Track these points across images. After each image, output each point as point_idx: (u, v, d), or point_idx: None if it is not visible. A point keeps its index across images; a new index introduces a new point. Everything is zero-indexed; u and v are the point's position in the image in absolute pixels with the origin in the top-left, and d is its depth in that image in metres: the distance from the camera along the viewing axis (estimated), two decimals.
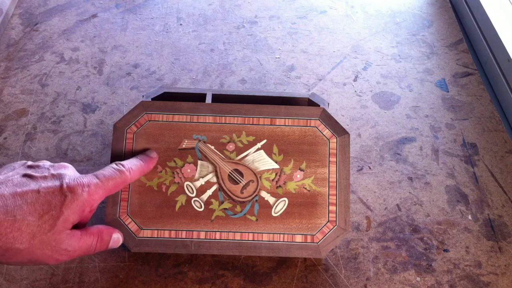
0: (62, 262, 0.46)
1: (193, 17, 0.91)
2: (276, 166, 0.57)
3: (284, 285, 0.56)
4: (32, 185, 0.44)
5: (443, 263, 0.58)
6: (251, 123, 0.58)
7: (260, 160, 0.57)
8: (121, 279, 0.55)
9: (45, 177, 0.45)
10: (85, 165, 0.67)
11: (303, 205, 0.56)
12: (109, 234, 0.50)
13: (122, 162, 0.51)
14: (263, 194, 0.56)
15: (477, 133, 0.73)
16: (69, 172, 0.47)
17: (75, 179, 0.46)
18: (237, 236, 0.55)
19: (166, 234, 0.55)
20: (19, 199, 0.42)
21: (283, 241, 0.55)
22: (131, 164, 0.52)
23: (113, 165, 0.50)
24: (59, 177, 0.46)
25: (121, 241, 0.51)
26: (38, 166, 0.47)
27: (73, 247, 0.45)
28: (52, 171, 0.46)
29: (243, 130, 0.58)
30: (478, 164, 0.69)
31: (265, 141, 0.58)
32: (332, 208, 0.56)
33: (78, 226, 0.49)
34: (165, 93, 0.62)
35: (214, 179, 0.56)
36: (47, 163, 0.48)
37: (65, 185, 0.45)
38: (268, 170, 0.57)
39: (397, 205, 0.64)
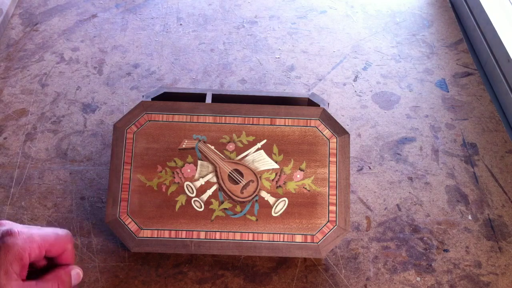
0: None
1: (193, 17, 0.91)
2: (276, 166, 0.57)
3: (284, 285, 0.56)
4: None
5: (443, 263, 0.58)
6: (251, 123, 0.58)
7: (260, 160, 0.57)
8: (121, 279, 0.55)
9: None
10: (85, 165, 0.67)
11: (303, 205, 0.56)
12: (67, 274, 0.47)
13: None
14: (263, 194, 0.56)
15: (477, 133, 0.73)
16: (6, 227, 0.44)
17: (9, 229, 0.44)
18: (237, 236, 0.55)
19: (166, 234, 0.55)
20: None
21: (283, 241, 0.55)
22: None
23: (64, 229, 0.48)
24: None
25: (81, 275, 0.48)
26: None
27: None
28: None
29: (243, 130, 0.58)
30: (478, 164, 0.69)
31: (265, 141, 0.58)
32: (332, 208, 0.56)
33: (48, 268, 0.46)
34: (165, 93, 0.62)
35: (214, 179, 0.56)
36: None
37: (1, 249, 0.42)
38: (268, 170, 0.57)
39: (397, 205, 0.64)
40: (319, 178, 0.57)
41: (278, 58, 0.83)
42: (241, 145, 0.57)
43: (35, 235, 0.44)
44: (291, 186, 0.56)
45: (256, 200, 0.56)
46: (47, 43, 0.84)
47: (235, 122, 0.58)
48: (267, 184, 0.56)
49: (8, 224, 0.45)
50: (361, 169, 0.68)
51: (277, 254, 0.55)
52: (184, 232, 0.55)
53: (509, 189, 0.66)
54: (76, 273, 0.47)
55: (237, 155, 0.57)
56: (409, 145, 0.71)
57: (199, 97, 0.62)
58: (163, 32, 0.87)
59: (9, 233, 0.43)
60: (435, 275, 0.57)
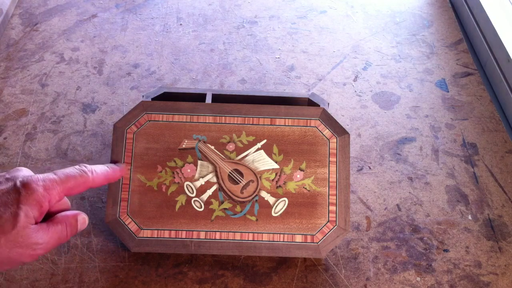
0: (39, 256, 0.46)
1: (193, 17, 0.91)
2: (276, 166, 0.57)
3: (284, 285, 0.56)
4: None
5: (443, 263, 0.58)
6: (251, 123, 0.58)
7: (260, 160, 0.57)
8: (121, 279, 0.55)
9: None
10: None
11: (303, 205, 0.56)
12: (74, 218, 0.49)
13: (85, 164, 0.51)
14: (263, 194, 0.56)
15: (477, 133, 0.73)
16: (24, 172, 0.47)
17: (28, 175, 0.46)
18: (237, 236, 0.55)
19: (166, 234, 0.55)
20: None
21: (283, 241, 0.55)
22: (96, 168, 0.51)
23: (76, 165, 0.50)
24: (13, 178, 0.46)
25: (87, 221, 0.50)
26: None
27: (43, 239, 0.45)
28: (7, 175, 0.46)
29: (243, 130, 0.58)
30: (478, 164, 0.69)
31: (265, 141, 0.58)
32: (332, 208, 0.56)
33: (50, 216, 0.48)
34: (165, 93, 0.62)
35: (214, 179, 0.56)
36: (3, 172, 0.48)
37: (18, 183, 0.45)
38: (268, 170, 0.57)
39: (397, 205, 0.64)
40: (319, 178, 0.57)
41: (278, 58, 0.83)
42: (241, 145, 0.57)
43: (55, 182, 0.46)
44: (291, 186, 0.56)
45: (256, 200, 0.56)
46: (47, 43, 0.84)
47: (235, 122, 0.58)
48: (267, 184, 0.56)
49: (25, 171, 0.48)
50: (361, 169, 0.68)
51: (277, 254, 0.55)
52: (184, 232, 0.55)
53: (509, 189, 0.66)
54: (82, 218, 0.50)
55: (237, 155, 0.57)
56: (409, 145, 0.71)
57: (199, 97, 0.62)
58: (163, 32, 0.87)
59: (30, 180, 0.45)
60: (435, 275, 0.57)
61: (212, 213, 0.56)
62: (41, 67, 0.80)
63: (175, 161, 0.57)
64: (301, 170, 0.57)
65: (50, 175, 0.47)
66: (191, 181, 0.56)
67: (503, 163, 0.69)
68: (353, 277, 0.57)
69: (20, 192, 0.44)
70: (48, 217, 0.48)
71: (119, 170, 0.55)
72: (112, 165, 0.54)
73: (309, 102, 0.62)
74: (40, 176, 0.46)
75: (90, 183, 0.50)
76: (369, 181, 0.66)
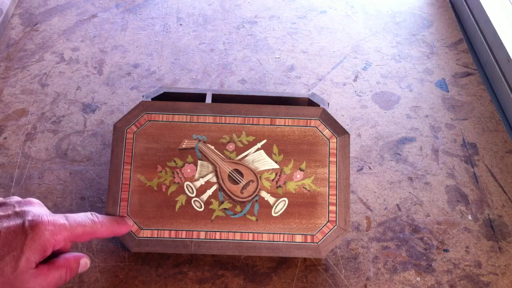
0: None
1: (193, 17, 0.91)
2: (276, 166, 0.57)
3: (284, 285, 0.56)
4: None
5: (443, 263, 0.58)
6: (251, 123, 0.58)
7: (260, 160, 0.57)
8: (121, 279, 0.55)
9: (8, 216, 0.44)
10: (85, 165, 0.67)
11: (303, 205, 0.56)
12: (77, 262, 0.48)
13: (97, 214, 0.50)
14: (263, 194, 0.56)
15: (477, 133, 0.73)
16: (35, 209, 0.45)
17: (39, 216, 0.44)
18: (237, 236, 0.55)
19: (166, 234, 0.55)
20: None
21: (283, 241, 0.55)
22: (106, 220, 0.51)
23: (88, 213, 0.49)
24: (22, 214, 0.44)
25: (88, 264, 0.50)
26: (4, 204, 0.45)
27: (40, 285, 0.44)
28: (17, 208, 0.45)
29: (243, 130, 0.58)
30: (478, 164, 0.69)
31: (265, 141, 0.58)
32: (332, 208, 0.56)
33: (51, 255, 0.47)
34: (165, 93, 0.62)
35: (214, 179, 0.56)
36: (14, 199, 0.46)
37: (27, 223, 0.43)
38: (268, 170, 0.57)
39: (397, 205, 0.64)
40: (319, 178, 0.57)
41: (278, 58, 0.83)
42: (241, 145, 0.57)
43: (63, 228, 0.45)
44: (291, 186, 0.56)
45: (256, 200, 0.56)
46: (47, 43, 0.84)
47: (235, 122, 0.58)
48: (267, 184, 0.56)
49: (37, 205, 0.46)
50: (361, 169, 0.68)
51: (277, 254, 0.55)
52: (184, 232, 0.55)
53: (509, 189, 0.66)
54: (85, 262, 0.49)
55: (237, 155, 0.57)
56: (409, 145, 0.71)
57: (199, 97, 0.62)
58: (163, 32, 0.87)
59: (38, 222, 0.44)
60: (435, 275, 0.57)
61: (212, 213, 0.56)
62: (41, 67, 0.80)
63: (175, 161, 0.57)
64: (301, 170, 0.57)
65: (60, 219, 0.45)
66: (191, 181, 0.56)
67: (503, 163, 0.69)
68: (353, 277, 0.57)
69: (27, 234, 0.43)
70: (51, 256, 0.46)
71: (125, 228, 0.54)
72: (119, 219, 0.54)
73: (309, 102, 0.62)
74: (51, 218, 0.45)
75: (97, 234, 0.49)
76: (369, 181, 0.66)
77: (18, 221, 0.43)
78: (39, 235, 0.43)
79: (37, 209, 0.45)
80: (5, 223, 0.43)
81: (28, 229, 0.43)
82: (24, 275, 0.42)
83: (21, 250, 0.42)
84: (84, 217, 0.48)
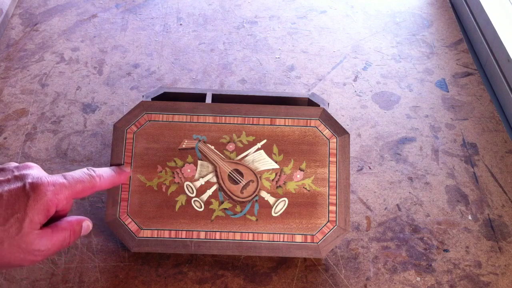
0: (39, 262, 0.46)
1: (193, 17, 0.91)
2: (276, 166, 0.57)
3: (284, 285, 0.56)
4: None
5: (443, 263, 0.58)
6: (251, 123, 0.58)
7: (260, 160, 0.57)
8: (121, 279, 0.55)
9: (8, 180, 0.44)
10: (85, 165, 0.67)
11: (303, 205, 0.56)
12: (79, 224, 0.48)
13: (93, 168, 0.51)
14: (263, 194, 0.56)
15: (477, 133, 0.73)
16: (34, 171, 0.46)
17: (38, 178, 0.45)
18: (237, 236, 0.55)
19: (166, 234, 0.55)
20: None
21: (283, 241, 0.55)
22: (103, 172, 0.51)
23: (84, 169, 0.50)
24: (22, 177, 0.44)
25: (91, 227, 0.50)
26: (3, 169, 0.46)
27: (45, 246, 0.44)
28: (16, 173, 0.45)
29: (243, 130, 0.58)
30: (478, 164, 0.69)
31: (265, 141, 0.58)
32: (332, 208, 0.56)
33: (53, 219, 0.48)
34: (165, 93, 0.62)
35: (214, 179, 0.56)
36: (12, 165, 0.47)
37: (27, 185, 0.44)
38: (268, 170, 0.57)
39: (397, 205, 0.64)
40: (319, 178, 0.57)
41: (278, 58, 0.83)
42: (241, 145, 0.57)
43: (63, 187, 0.46)
44: (291, 186, 0.56)
45: (256, 200, 0.56)
46: (47, 43, 0.84)
47: (235, 122, 0.58)
48: (267, 184, 0.56)
49: (36, 169, 0.46)
50: (361, 169, 0.68)
51: (277, 254, 0.55)
52: (184, 232, 0.55)
53: (509, 189, 0.66)
54: (87, 225, 0.50)
55: (237, 155, 0.57)
56: (409, 145, 0.71)
57: (199, 97, 0.62)
58: (163, 32, 0.87)
59: (39, 183, 0.44)
60: (435, 275, 0.57)
61: (212, 213, 0.56)
62: (41, 67, 0.80)
63: (175, 161, 0.57)
64: (301, 170, 0.57)
65: (59, 179, 0.46)
66: (191, 181, 0.56)
67: (503, 163, 0.69)
68: (353, 277, 0.57)
69: (29, 195, 0.43)
70: (52, 219, 0.47)
71: (123, 174, 0.55)
72: (116, 168, 0.54)
73: (309, 102, 0.62)
74: (50, 179, 0.45)
75: (97, 187, 0.50)
76: (369, 181, 0.66)
77: (18, 184, 0.44)
78: (40, 196, 0.44)
79: (36, 171, 0.46)
80: (6, 187, 0.43)
81: (30, 191, 0.43)
82: (29, 236, 0.43)
83: (25, 212, 0.43)
84: (81, 173, 0.49)
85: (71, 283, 0.55)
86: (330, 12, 0.93)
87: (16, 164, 0.47)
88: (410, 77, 0.81)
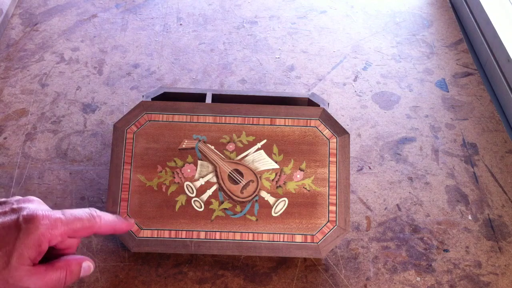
0: None
1: (193, 17, 0.91)
2: (276, 166, 0.57)
3: (284, 285, 0.56)
4: None
5: (443, 263, 0.58)
6: (251, 123, 0.58)
7: (260, 160, 0.57)
8: (121, 279, 0.55)
9: (4, 213, 0.43)
10: (85, 165, 0.67)
11: (303, 205, 0.56)
12: (78, 264, 0.46)
13: (96, 210, 0.48)
14: (263, 194, 0.56)
15: (477, 133, 0.73)
16: (32, 205, 0.44)
17: (34, 211, 0.43)
18: (237, 236, 0.55)
19: (166, 234, 0.55)
20: None
21: (283, 241, 0.55)
22: (105, 215, 0.48)
23: (87, 208, 0.47)
24: (18, 210, 0.43)
25: (92, 269, 0.47)
26: (4, 202, 0.45)
27: (36, 284, 0.42)
28: (14, 206, 0.44)
29: (243, 130, 0.58)
30: (478, 164, 0.69)
31: (265, 141, 0.58)
32: (332, 208, 0.56)
33: (53, 257, 0.45)
34: (165, 93, 0.62)
35: (214, 179, 0.56)
36: (14, 198, 0.45)
37: (21, 218, 0.42)
38: (268, 170, 0.57)
39: (397, 205, 0.64)
40: (319, 178, 0.57)
41: (278, 58, 0.83)
42: (241, 145, 0.57)
43: (59, 222, 0.43)
44: (291, 186, 0.56)
45: (256, 200, 0.56)
46: (47, 43, 0.84)
47: (235, 122, 0.58)
48: (267, 184, 0.56)
49: (36, 203, 0.45)
50: (361, 169, 0.68)
51: (277, 254, 0.55)
52: (184, 232, 0.55)
53: (509, 189, 0.66)
54: (87, 265, 0.47)
55: (237, 155, 0.57)
56: (409, 145, 0.71)
57: (199, 97, 0.62)
58: (163, 32, 0.87)
59: (33, 217, 0.42)
60: (435, 275, 0.57)
61: (212, 213, 0.56)
62: (41, 67, 0.80)
63: (175, 161, 0.57)
64: (301, 170, 0.57)
65: (56, 214, 0.44)
66: (191, 181, 0.56)
67: (503, 163, 0.69)
68: (353, 277, 0.57)
69: (20, 228, 0.42)
70: (52, 257, 0.45)
71: (127, 224, 0.52)
72: (120, 217, 0.52)
73: (309, 102, 0.62)
74: (46, 213, 0.43)
75: (96, 229, 0.47)
76: (369, 181, 0.66)
77: (13, 216, 0.42)
78: (32, 229, 0.42)
79: (34, 205, 0.44)
80: (0, 219, 0.42)
81: (22, 224, 0.42)
82: (18, 271, 0.41)
83: (14, 245, 0.41)
84: (82, 212, 0.46)
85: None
86: (330, 12, 0.93)
87: (18, 198, 0.46)
88: (410, 77, 0.81)
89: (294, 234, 0.55)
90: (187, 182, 0.56)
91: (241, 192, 0.56)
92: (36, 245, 0.42)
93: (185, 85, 0.78)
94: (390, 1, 0.95)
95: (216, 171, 0.57)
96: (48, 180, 0.65)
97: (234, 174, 0.57)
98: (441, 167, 0.68)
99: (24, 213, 0.43)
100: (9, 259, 0.41)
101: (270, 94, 0.63)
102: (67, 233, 0.44)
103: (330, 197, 0.56)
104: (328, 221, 0.56)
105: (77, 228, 0.45)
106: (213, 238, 0.55)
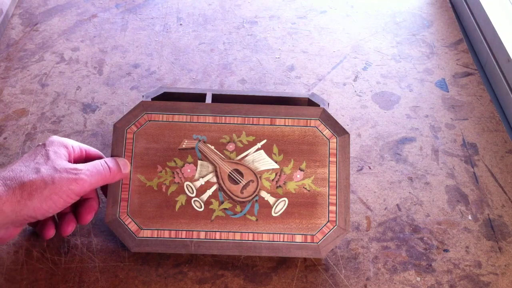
0: (81, 191, 0.50)
1: (193, 17, 0.91)
2: (276, 166, 0.57)
3: (284, 285, 0.56)
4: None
5: (443, 263, 0.58)
6: (251, 123, 0.58)
7: (260, 160, 0.57)
8: (121, 279, 0.55)
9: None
10: None
11: (303, 205, 0.56)
12: (113, 158, 0.55)
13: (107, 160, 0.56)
14: (263, 194, 0.56)
15: (477, 133, 0.73)
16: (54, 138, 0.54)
17: (52, 137, 0.53)
18: (237, 236, 0.55)
19: (166, 234, 0.55)
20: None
21: (283, 241, 0.55)
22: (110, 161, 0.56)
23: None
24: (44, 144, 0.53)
25: (129, 165, 0.55)
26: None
27: (81, 166, 0.50)
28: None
29: (243, 130, 0.58)
30: (478, 164, 0.69)
31: (265, 141, 0.58)
32: (332, 208, 0.56)
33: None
34: (165, 93, 0.62)
35: (214, 179, 0.56)
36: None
37: (45, 142, 0.52)
38: (268, 170, 0.57)
39: (397, 205, 0.64)
40: (319, 178, 0.57)
41: (278, 58, 0.83)
42: (241, 145, 0.57)
43: (73, 141, 0.54)
44: (291, 186, 0.56)
45: (256, 200, 0.56)
46: (47, 43, 0.84)
47: (235, 122, 0.58)
48: (267, 184, 0.56)
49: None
50: (361, 169, 0.68)
51: (277, 254, 0.55)
52: (184, 232, 0.55)
53: (509, 189, 0.66)
54: (122, 160, 0.55)
55: (237, 155, 0.57)
56: (409, 145, 0.71)
57: (199, 97, 0.62)
58: (163, 32, 0.87)
59: (51, 138, 0.53)
60: (435, 275, 0.57)
61: (212, 213, 0.56)
62: (41, 67, 0.80)
63: (175, 161, 0.57)
64: (301, 170, 0.57)
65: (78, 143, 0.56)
66: (191, 181, 0.56)
67: (503, 163, 0.69)
68: (353, 277, 0.57)
69: (45, 143, 0.52)
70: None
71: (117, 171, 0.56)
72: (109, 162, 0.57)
73: (309, 102, 0.62)
74: (67, 141, 0.54)
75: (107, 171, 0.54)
76: (369, 181, 0.66)
77: (40, 145, 0.52)
78: (54, 139, 0.52)
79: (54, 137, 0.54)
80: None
81: (46, 141, 0.52)
82: (58, 160, 0.50)
83: (45, 149, 0.50)
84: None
85: (71, 283, 0.55)
86: (330, 12, 0.93)
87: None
88: (410, 77, 0.81)
89: (294, 234, 0.55)
90: (187, 182, 0.56)
91: (241, 192, 0.56)
92: (62, 145, 0.52)
93: (185, 85, 0.78)
94: (390, 1, 0.95)
95: (216, 171, 0.57)
96: None
97: (234, 174, 0.57)
98: (441, 167, 0.68)
99: (47, 140, 0.53)
100: (47, 156, 0.50)
101: (270, 94, 0.63)
102: (83, 148, 0.55)
103: (330, 197, 0.56)
104: (328, 221, 0.56)
105: (90, 151, 0.56)
106: (213, 238, 0.55)
